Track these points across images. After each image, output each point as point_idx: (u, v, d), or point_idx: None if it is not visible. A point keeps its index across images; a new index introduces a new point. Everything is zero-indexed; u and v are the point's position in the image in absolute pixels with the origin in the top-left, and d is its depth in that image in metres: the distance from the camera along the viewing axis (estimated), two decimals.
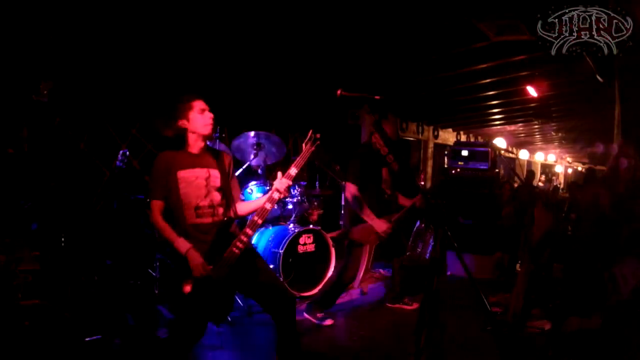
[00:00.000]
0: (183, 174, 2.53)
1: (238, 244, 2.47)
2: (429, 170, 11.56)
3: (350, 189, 3.74)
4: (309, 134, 2.58)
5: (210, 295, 2.43)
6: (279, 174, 2.57)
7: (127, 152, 4.10)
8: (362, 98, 2.00)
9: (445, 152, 9.15)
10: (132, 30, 4.17)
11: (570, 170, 23.16)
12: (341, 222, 4.18)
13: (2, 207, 3.77)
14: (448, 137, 12.21)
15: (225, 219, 2.57)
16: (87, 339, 3.24)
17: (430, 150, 11.50)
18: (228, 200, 2.62)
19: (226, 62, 5.02)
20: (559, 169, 22.52)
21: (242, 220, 2.77)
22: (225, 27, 4.27)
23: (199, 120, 2.57)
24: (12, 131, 4.12)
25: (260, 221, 2.50)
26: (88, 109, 5.14)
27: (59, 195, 4.66)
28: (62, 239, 3.86)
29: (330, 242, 4.78)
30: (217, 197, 2.58)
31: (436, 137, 11.62)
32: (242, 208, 2.71)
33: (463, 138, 13.13)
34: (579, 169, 22.72)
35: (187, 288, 2.38)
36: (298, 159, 2.56)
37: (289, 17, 4.16)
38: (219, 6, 3.87)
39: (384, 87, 6.58)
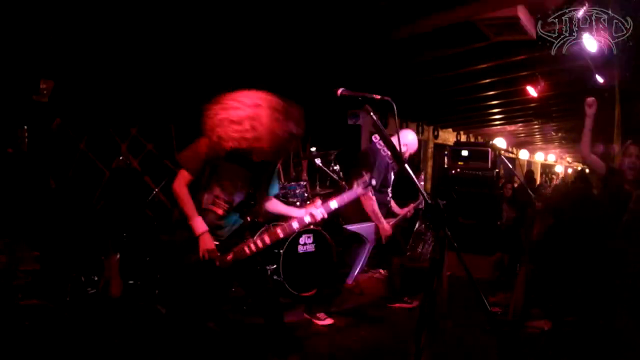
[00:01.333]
0: (229, 166, 2.50)
1: (252, 245, 2.50)
2: (429, 170, 11.56)
3: (368, 193, 3.78)
4: (363, 177, 2.60)
5: (208, 280, 2.47)
6: (318, 200, 2.61)
7: (128, 159, 4.12)
8: (362, 98, 1.99)
9: (445, 152, 9.16)
10: (132, 31, 4.17)
11: (570, 170, 23.15)
12: (341, 221, 4.18)
13: (2, 207, 3.77)
14: (448, 137, 12.21)
15: (251, 219, 2.59)
16: (87, 339, 3.24)
17: (430, 150, 11.50)
18: (256, 201, 2.61)
19: (226, 62, 5.01)
20: (559, 169, 22.53)
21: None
22: (225, 27, 4.27)
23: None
24: (12, 131, 4.12)
25: (282, 235, 2.53)
26: (88, 109, 5.13)
27: (59, 195, 4.66)
28: (63, 239, 3.86)
29: (331, 242, 4.78)
30: (241, 197, 2.56)
31: (436, 137, 11.62)
32: (271, 206, 2.74)
33: (463, 138, 13.13)
34: (579, 169, 22.70)
35: (188, 261, 2.42)
36: (344, 195, 2.59)
37: (289, 17, 4.16)
38: (219, 7, 3.87)
39: (384, 87, 6.59)
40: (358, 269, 4.02)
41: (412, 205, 4.30)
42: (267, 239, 2.51)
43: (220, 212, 2.53)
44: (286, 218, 2.67)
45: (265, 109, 2.34)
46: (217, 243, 2.49)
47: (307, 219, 2.52)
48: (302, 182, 5.00)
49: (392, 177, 4.10)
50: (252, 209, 2.63)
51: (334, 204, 2.54)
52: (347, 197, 2.58)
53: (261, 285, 2.65)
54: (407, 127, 10.10)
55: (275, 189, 2.77)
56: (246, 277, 2.62)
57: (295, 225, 2.54)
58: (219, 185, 2.50)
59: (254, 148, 2.39)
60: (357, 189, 2.60)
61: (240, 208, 2.58)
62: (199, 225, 2.43)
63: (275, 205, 2.77)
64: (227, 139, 2.36)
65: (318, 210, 2.54)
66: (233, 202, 2.54)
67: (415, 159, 11.20)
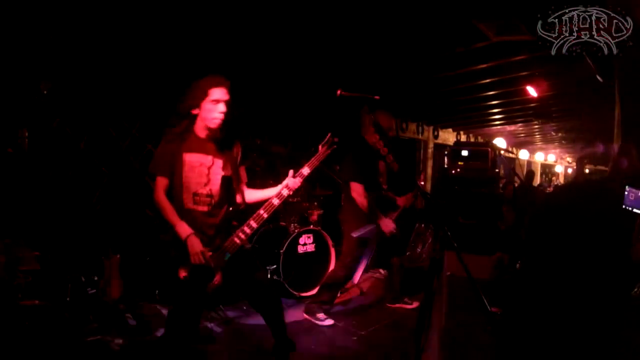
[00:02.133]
0: (189, 157, 2.49)
1: (240, 234, 2.46)
2: (429, 170, 11.56)
3: (358, 189, 3.76)
4: (327, 137, 2.63)
5: (206, 283, 2.42)
6: (291, 171, 2.58)
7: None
8: (361, 98, 2.00)
9: (445, 152, 9.16)
10: (132, 31, 4.17)
11: (570, 170, 23.16)
12: (344, 229, 4.17)
13: (2, 207, 3.77)
14: (448, 137, 12.21)
15: (230, 209, 2.55)
16: (87, 339, 3.24)
17: (430, 150, 11.50)
18: (230, 189, 2.58)
19: (226, 62, 5.01)
20: (559, 169, 22.53)
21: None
22: (225, 27, 4.27)
23: (209, 112, 2.53)
24: (12, 131, 4.12)
25: (266, 215, 2.48)
26: (88, 109, 5.13)
27: (59, 195, 4.66)
28: (63, 239, 3.86)
29: (330, 242, 4.78)
30: (216, 186, 2.54)
31: (436, 137, 11.62)
32: (248, 196, 2.69)
33: (463, 138, 13.13)
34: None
35: (183, 273, 2.37)
36: (312, 159, 2.60)
37: (288, 17, 4.16)
38: (219, 7, 3.87)
39: (384, 87, 6.58)
40: (360, 270, 4.02)
41: (410, 195, 4.26)
42: (253, 223, 2.47)
43: (205, 208, 2.50)
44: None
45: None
46: (208, 248, 2.45)
47: (285, 192, 2.53)
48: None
49: (384, 170, 4.04)
50: (233, 199, 2.61)
51: (305, 170, 2.58)
52: (315, 159, 2.62)
53: (258, 281, 2.63)
54: (407, 127, 10.11)
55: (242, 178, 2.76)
56: (242, 272, 2.58)
57: (275, 201, 2.52)
58: (190, 180, 2.48)
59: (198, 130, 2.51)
60: (322, 150, 2.64)
61: (223, 200, 2.56)
62: (183, 229, 2.39)
63: (250, 194, 2.73)
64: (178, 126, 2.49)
65: (292, 180, 2.55)
66: (213, 196, 2.52)
67: (416, 159, 11.22)
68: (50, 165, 4.66)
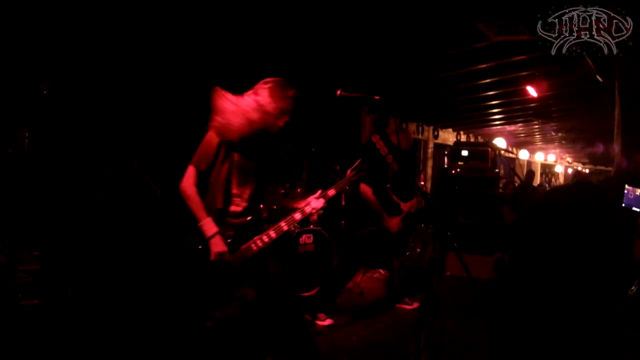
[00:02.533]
0: (238, 157, 2.45)
1: (258, 242, 2.45)
2: (429, 170, 11.56)
3: (367, 191, 3.80)
4: (357, 163, 2.69)
5: (221, 281, 2.40)
6: (319, 192, 2.62)
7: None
8: (361, 98, 1.99)
9: (445, 152, 9.17)
10: (133, 30, 4.17)
11: (570, 170, 23.15)
12: (345, 229, 4.18)
13: (2, 207, 3.77)
14: (448, 137, 12.21)
15: (260, 214, 2.54)
16: (87, 339, 3.24)
17: (430, 150, 11.50)
18: (261, 193, 2.58)
19: (226, 61, 5.01)
20: (559, 169, 22.53)
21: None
22: (225, 27, 4.27)
23: None
24: (12, 131, 4.12)
25: (285, 228, 2.49)
26: (88, 109, 5.13)
27: (59, 195, 4.66)
28: (62, 239, 3.86)
29: (332, 243, 4.78)
30: (252, 188, 2.51)
31: (436, 137, 11.62)
32: (272, 200, 2.82)
33: (463, 138, 13.13)
34: (579, 169, 22.72)
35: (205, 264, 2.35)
36: (340, 182, 2.67)
37: (288, 17, 4.16)
38: (219, 7, 3.87)
39: (384, 87, 6.58)
40: (362, 270, 4.03)
41: (415, 200, 4.29)
42: (272, 234, 2.47)
43: (238, 209, 2.47)
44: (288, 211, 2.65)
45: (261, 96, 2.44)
46: (229, 240, 2.43)
47: (308, 209, 2.53)
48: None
49: (391, 174, 4.08)
50: (261, 203, 2.61)
51: (331, 192, 2.61)
52: (342, 183, 2.67)
53: (270, 285, 2.59)
54: (407, 127, 10.11)
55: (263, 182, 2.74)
56: (255, 277, 2.55)
57: (297, 216, 2.52)
58: (231, 180, 2.44)
59: (256, 133, 2.40)
60: (349, 175, 2.69)
61: (253, 203, 2.54)
62: (210, 227, 2.36)
63: (275, 199, 2.83)
64: (230, 128, 2.36)
65: (316, 201, 2.57)
66: (247, 198, 2.49)
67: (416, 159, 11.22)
68: (50, 165, 4.66)
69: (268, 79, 2.51)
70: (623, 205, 3.31)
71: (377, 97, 1.99)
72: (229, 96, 2.41)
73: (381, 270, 5.51)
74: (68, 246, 3.96)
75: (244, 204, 2.48)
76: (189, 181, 2.40)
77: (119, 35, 4.24)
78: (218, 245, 2.35)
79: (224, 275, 2.40)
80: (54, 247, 3.89)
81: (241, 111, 2.37)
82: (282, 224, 2.49)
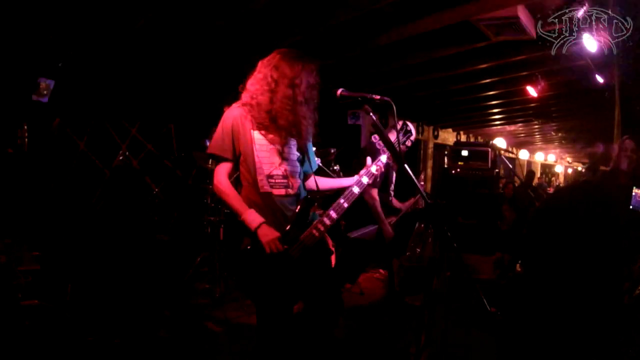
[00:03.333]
0: (258, 134, 2.20)
1: (320, 226, 2.20)
2: (429, 170, 11.56)
3: (373, 192, 3.76)
4: (401, 123, 2.57)
5: (285, 276, 2.14)
6: (369, 159, 2.41)
7: (127, 153, 4.10)
8: (361, 98, 1.99)
9: (445, 152, 9.15)
10: (132, 30, 4.17)
11: (570, 170, 23.16)
12: (342, 222, 4.18)
13: (2, 207, 3.77)
14: (448, 137, 12.21)
15: (308, 196, 2.30)
16: (87, 339, 3.24)
17: (430, 150, 11.50)
18: (301, 172, 2.34)
19: (226, 61, 5.01)
20: (559, 169, 22.54)
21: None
22: (225, 27, 4.26)
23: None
24: (12, 131, 4.12)
25: (346, 205, 2.22)
26: (88, 109, 5.14)
27: (59, 195, 4.67)
28: (62, 239, 3.86)
29: (331, 242, 4.77)
30: (291, 167, 2.25)
31: (436, 137, 11.62)
32: (321, 183, 2.45)
33: (463, 138, 13.13)
34: (579, 169, 22.73)
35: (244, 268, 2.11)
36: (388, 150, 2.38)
37: (288, 16, 4.16)
38: (219, 6, 3.87)
39: (384, 87, 6.59)
40: (360, 272, 4.01)
41: (412, 200, 4.28)
42: (333, 214, 2.19)
43: (282, 192, 2.22)
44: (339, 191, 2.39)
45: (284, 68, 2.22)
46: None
47: (365, 180, 2.30)
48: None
49: (394, 175, 4.09)
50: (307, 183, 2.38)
51: (384, 157, 2.41)
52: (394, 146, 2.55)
53: (327, 284, 2.31)
54: None
55: (315, 163, 2.48)
56: (314, 270, 2.24)
57: (356, 190, 2.26)
58: (263, 160, 2.19)
59: (279, 111, 2.17)
60: (397, 135, 2.61)
61: (299, 183, 2.29)
62: (253, 217, 2.11)
63: (321, 182, 2.45)
64: (253, 101, 2.19)
65: (373, 167, 2.36)
66: (289, 177, 2.23)
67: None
68: (50, 165, 4.67)
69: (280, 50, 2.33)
70: (630, 207, 3.31)
71: (377, 97, 1.98)
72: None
73: (381, 270, 5.51)
74: (68, 246, 3.96)
75: (285, 186, 2.23)
76: (219, 176, 2.19)
77: (118, 35, 4.24)
78: (269, 233, 2.09)
79: (284, 269, 2.14)
80: (54, 247, 3.89)
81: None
82: (341, 200, 2.23)
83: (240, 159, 2.23)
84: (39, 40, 4.04)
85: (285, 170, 2.23)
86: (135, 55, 4.70)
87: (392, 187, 4.09)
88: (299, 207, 2.24)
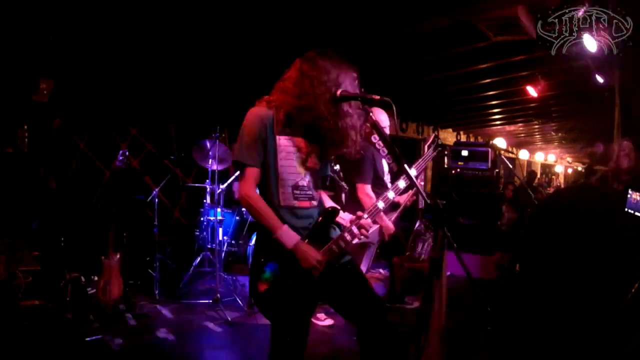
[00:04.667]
0: (284, 140, 1.96)
1: (340, 242, 2.00)
2: (429, 170, 11.55)
3: (364, 190, 3.74)
4: (432, 137, 2.46)
5: (311, 292, 1.97)
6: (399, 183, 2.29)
7: (127, 152, 4.09)
8: (361, 98, 1.99)
9: (445, 152, 9.15)
10: (132, 30, 4.17)
11: (570, 170, 23.16)
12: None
13: (2, 207, 3.77)
14: (448, 137, 12.20)
15: (331, 207, 2.08)
16: (87, 339, 3.24)
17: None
18: (321, 183, 2.14)
19: (227, 61, 5.01)
20: (559, 169, 22.53)
21: None
22: (225, 27, 4.27)
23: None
24: (12, 131, 4.12)
25: (370, 220, 2.07)
26: (88, 109, 5.14)
27: (59, 195, 4.67)
28: (62, 239, 3.87)
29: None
30: (315, 177, 2.06)
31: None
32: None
33: (463, 138, 13.13)
34: (579, 169, 22.73)
35: (263, 286, 1.90)
36: (420, 161, 2.40)
37: (288, 16, 4.16)
38: (219, 6, 3.87)
39: (384, 87, 6.58)
40: (364, 271, 3.99)
41: (410, 193, 4.21)
42: (355, 231, 2.00)
43: (306, 204, 2.02)
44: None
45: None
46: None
47: (391, 195, 2.18)
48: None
49: (385, 166, 4.00)
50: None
51: (412, 171, 2.26)
52: (422, 161, 2.41)
53: (358, 290, 2.10)
54: (407, 127, 10.11)
55: (327, 170, 2.26)
56: (338, 284, 2.06)
57: (381, 204, 2.11)
58: (290, 169, 1.97)
59: (307, 109, 1.92)
60: (427, 151, 2.49)
61: (320, 192, 2.11)
62: (289, 235, 1.89)
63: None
64: (281, 101, 1.95)
65: (400, 183, 2.24)
66: (313, 189, 2.04)
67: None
68: (50, 165, 4.67)
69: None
70: (626, 210, 3.31)
71: (376, 97, 1.97)
72: None
73: (381, 270, 5.51)
74: (68, 246, 3.97)
75: (310, 198, 2.04)
76: (248, 185, 1.94)
77: (119, 35, 4.24)
78: (309, 253, 1.89)
79: (309, 286, 1.95)
80: (54, 247, 3.89)
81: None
82: (365, 215, 2.05)
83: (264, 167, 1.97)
84: (39, 40, 4.03)
85: (310, 180, 2.02)
86: (135, 55, 4.70)
87: (387, 177, 3.97)
88: (320, 218, 2.04)
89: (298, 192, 1.99)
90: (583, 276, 1.80)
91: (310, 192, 2.03)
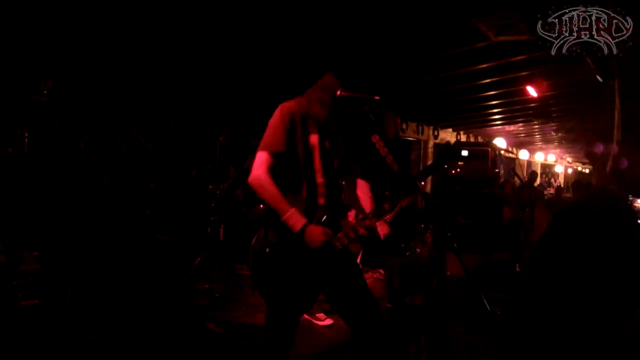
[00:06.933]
0: (317, 139, 2.06)
1: (343, 238, 2.06)
2: None
3: (364, 187, 3.74)
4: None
5: (308, 278, 2.03)
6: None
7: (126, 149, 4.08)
8: (361, 98, 1.99)
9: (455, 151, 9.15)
10: (132, 31, 4.17)
11: (570, 170, 23.17)
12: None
13: (2, 207, 3.77)
14: (448, 137, 12.21)
15: (344, 204, 2.18)
16: (87, 339, 3.24)
17: (430, 150, 11.50)
18: (339, 182, 2.21)
19: (227, 61, 5.01)
20: (559, 169, 22.54)
21: None
22: (225, 26, 4.27)
23: None
24: (12, 131, 4.12)
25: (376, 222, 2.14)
26: (88, 108, 5.13)
27: (59, 195, 4.66)
28: (62, 239, 3.87)
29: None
30: (334, 176, 2.14)
31: (436, 137, 11.62)
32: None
33: (463, 138, 13.13)
34: (579, 169, 22.74)
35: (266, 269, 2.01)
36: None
37: (288, 17, 4.16)
38: (219, 7, 3.87)
39: (384, 87, 6.58)
40: None
41: (407, 199, 4.22)
42: (360, 229, 2.06)
43: (322, 201, 2.07)
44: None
45: None
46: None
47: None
48: None
49: (389, 174, 4.00)
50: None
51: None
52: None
53: (355, 292, 2.14)
54: (407, 127, 10.11)
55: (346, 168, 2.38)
56: (338, 280, 2.11)
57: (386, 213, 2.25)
58: (316, 166, 2.05)
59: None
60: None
61: (333, 193, 2.17)
62: (298, 217, 1.94)
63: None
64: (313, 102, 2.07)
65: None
66: (329, 187, 2.11)
67: (415, 159, 11.21)
68: (50, 165, 4.66)
69: None
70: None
71: (377, 97, 1.98)
72: None
73: (381, 270, 5.50)
74: (68, 246, 3.97)
75: (325, 195, 2.10)
76: (262, 169, 1.98)
77: (119, 35, 4.24)
78: (317, 232, 1.94)
79: (311, 270, 2.02)
80: (54, 247, 3.89)
81: None
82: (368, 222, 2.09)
83: (285, 158, 2.02)
84: (39, 40, 4.03)
85: (331, 179, 2.11)
86: (135, 55, 4.70)
87: (388, 190, 4.02)
88: (327, 215, 2.09)
89: (319, 190, 2.06)
90: (605, 288, 1.76)
91: (325, 190, 2.08)
